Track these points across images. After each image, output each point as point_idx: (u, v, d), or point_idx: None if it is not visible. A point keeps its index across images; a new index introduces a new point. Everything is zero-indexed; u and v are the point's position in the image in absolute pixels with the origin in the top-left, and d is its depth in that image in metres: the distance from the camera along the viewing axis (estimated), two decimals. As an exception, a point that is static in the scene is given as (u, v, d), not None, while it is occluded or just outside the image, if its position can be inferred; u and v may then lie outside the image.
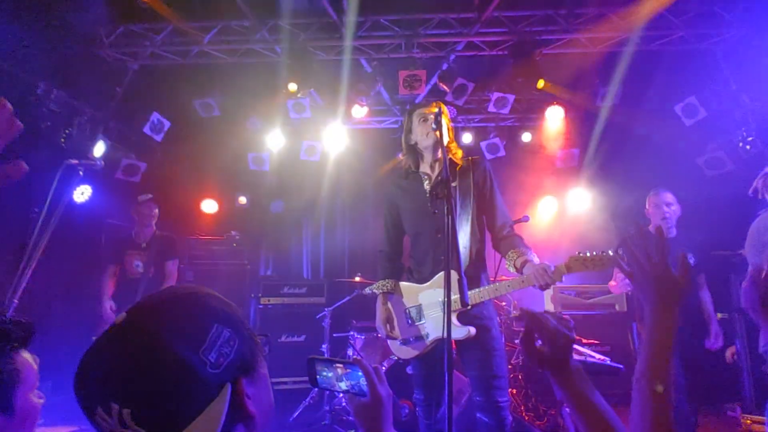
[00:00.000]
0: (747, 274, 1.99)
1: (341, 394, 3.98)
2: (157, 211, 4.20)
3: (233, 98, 5.50)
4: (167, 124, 5.31)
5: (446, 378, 1.54)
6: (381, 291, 2.32)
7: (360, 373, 1.01)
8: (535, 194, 6.08)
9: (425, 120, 2.28)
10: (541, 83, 4.82)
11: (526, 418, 3.52)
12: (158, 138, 5.31)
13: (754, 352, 3.36)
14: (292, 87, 4.90)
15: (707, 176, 5.06)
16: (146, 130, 5.24)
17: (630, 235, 0.97)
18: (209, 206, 6.00)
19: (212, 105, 5.30)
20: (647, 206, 3.17)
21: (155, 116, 5.27)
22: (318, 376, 1.05)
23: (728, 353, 3.65)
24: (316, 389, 4.16)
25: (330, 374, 1.04)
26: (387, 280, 2.33)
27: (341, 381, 1.03)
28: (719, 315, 3.52)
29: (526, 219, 3.56)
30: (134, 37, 4.87)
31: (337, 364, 1.04)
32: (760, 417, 3.24)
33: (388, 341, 2.29)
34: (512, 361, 3.86)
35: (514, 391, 3.80)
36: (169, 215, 5.47)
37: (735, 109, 4.87)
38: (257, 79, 5.47)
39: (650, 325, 0.92)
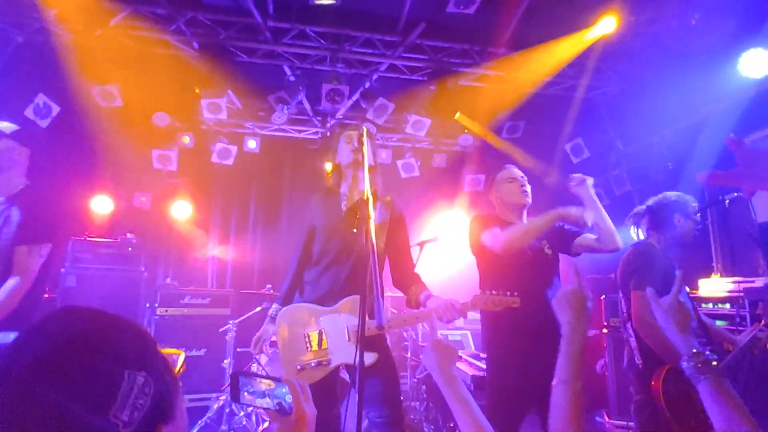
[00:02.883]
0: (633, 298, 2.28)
1: (243, 411, 3.82)
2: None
3: (140, 89, 5.05)
4: (56, 108, 4.72)
5: (358, 401, 1.55)
6: (270, 314, 2.30)
7: (285, 390, 0.99)
8: (445, 215, 6.43)
9: (350, 141, 2.31)
10: (457, 115, 5.16)
11: (427, 430, 3.68)
12: (43, 124, 4.70)
13: (618, 365, 3.89)
14: (199, 90, 4.67)
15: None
16: (28, 113, 4.61)
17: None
18: (102, 205, 5.40)
19: (114, 94, 4.83)
20: (497, 184, 2.54)
21: (41, 98, 4.66)
22: (240, 392, 1.01)
23: (598, 365, 4.19)
24: (214, 407, 3.93)
25: (254, 390, 1.01)
26: (277, 306, 2.29)
27: (265, 397, 1.01)
28: (614, 320, 4.00)
29: (435, 240, 3.74)
30: (22, 7, 4.28)
31: (262, 380, 1.01)
32: (621, 422, 3.76)
33: (284, 366, 2.12)
34: (417, 376, 4.03)
35: (417, 403, 3.96)
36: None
37: (611, 152, 5.67)
38: (169, 72, 5.10)
39: (568, 338, 1.14)
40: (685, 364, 1.15)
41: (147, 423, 0.58)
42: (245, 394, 1.01)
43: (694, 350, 1.16)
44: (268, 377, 1.01)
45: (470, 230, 2.51)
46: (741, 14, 3.72)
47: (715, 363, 1.12)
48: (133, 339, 0.62)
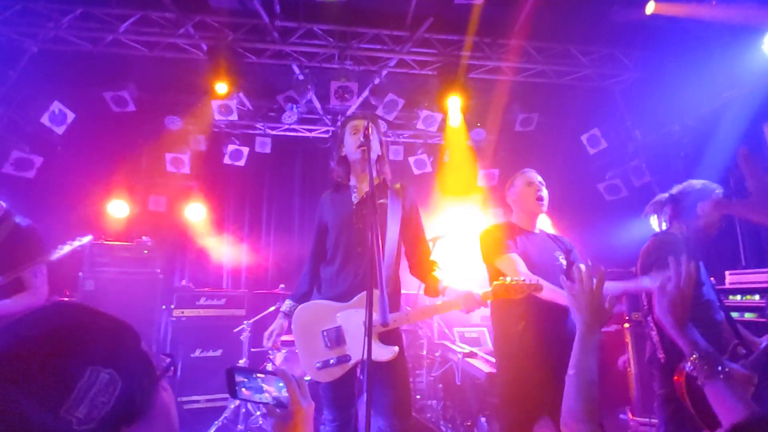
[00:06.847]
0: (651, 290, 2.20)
1: (259, 411, 3.82)
2: None
3: (152, 94, 5.11)
4: (71, 115, 4.81)
5: (367, 398, 1.50)
6: (282, 310, 2.28)
7: (282, 384, 0.96)
8: (458, 211, 6.34)
9: (356, 132, 2.25)
10: (450, 99, 4.93)
11: (444, 429, 3.63)
12: (59, 130, 4.79)
13: (641, 361, 3.77)
14: (221, 89, 4.63)
15: (606, 201, 5.64)
16: (45, 120, 4.70)
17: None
18: (118, 209, 5.49)
19: (127, 99, 4.90)
20: (514, 188, 2.55)
21: (56, 106, 4.75)
22: (237, 387, 0.99)
23: (620, 361, 4.06)
24: (231, 407, 3.94)
25: (251, 385, 0.99)
26: (291, 302, 2.27)
27: (262, 392, 0.98)
28: (635, 315, 3.89)
29: (443, 236, 3.67)
30: (35, 16, 4.36)
31: (258, 374, 0.99)
32: (645, 419, 3.64)
33: (304, 365, 2.11)
34: (433, 374, 3.97)
35: (434, 402, 3.90)
36: (69, 217, 4.95)
37: (628, 142, 5.50)
38: (180, 75, 5.15)
39: (582, 335, 1.13)
40: (689, 366, 1.11)
41: (111, 421, 0.57)
42: (242, 389, 0.99)
43: (695, 355, 1.12)
44: (263, 371, 0.99)
45: (483, 248, 2.47)
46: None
47: (720, 366, 1.07)
48: (107, 337, 0.61)
